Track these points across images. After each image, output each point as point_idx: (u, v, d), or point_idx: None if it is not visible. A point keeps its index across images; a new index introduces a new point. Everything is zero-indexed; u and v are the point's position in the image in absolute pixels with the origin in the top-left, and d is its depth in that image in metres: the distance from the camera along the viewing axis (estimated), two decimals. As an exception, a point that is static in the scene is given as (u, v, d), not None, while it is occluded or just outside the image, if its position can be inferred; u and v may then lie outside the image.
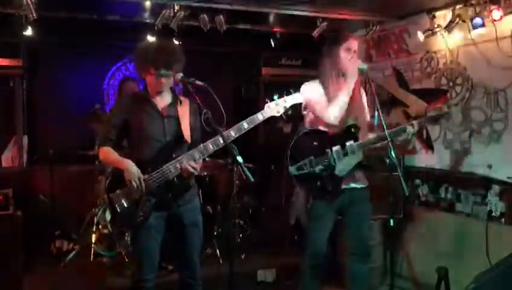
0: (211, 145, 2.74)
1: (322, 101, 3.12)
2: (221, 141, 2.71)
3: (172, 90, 2.95)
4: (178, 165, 2.75)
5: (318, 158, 3.10)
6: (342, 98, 3.09)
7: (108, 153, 2.84)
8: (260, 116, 2.78)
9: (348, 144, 3.07)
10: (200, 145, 2.77)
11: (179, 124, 2.85)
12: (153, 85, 2.84)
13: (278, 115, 2.81)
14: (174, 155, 2.78)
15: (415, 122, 3.06)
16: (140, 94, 2.95)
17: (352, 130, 3.09)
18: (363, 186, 3.23)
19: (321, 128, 3.16)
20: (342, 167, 3.09)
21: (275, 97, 2.81)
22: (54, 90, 5.45)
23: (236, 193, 4.57)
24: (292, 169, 3.13)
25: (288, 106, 2.82)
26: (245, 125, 2.76)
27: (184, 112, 2.90)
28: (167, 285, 3.57)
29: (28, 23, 4.45)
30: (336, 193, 3.11)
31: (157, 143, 2.81)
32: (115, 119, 2.88)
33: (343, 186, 3.14)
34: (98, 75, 5.77)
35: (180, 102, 2.93)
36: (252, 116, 2.77)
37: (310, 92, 3.15)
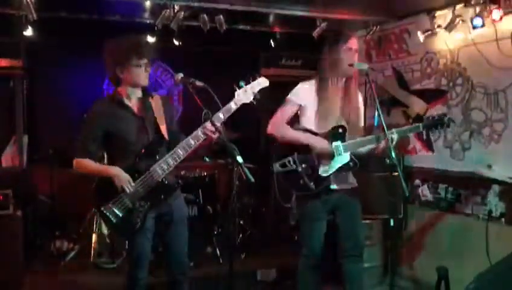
0: (191, 141, 2.73)
1: (315, 107, 3.13)
2: (200, 134, 2.71)
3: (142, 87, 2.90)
4: (164, 166, 2.74)
5: (302, 156, 3.10)
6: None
7: (88, 164, 2.77)
8: (233, 105, 2.75)
9: (334, 144, 3.07)
10: (182, 141, 2.75)
11: (156, 123, 2.84)
12: (131, 80, 2.78)
13: (249, 102, 2.78)
14: (157, 157, 2.77)
15: (394, 130, 2.98)
16: (113, 98, 2.84)
17: (340, 130, 3.08)
18: (353, 186, 3.23)
19: (311, 128, 3.16)
20: (326, 167, 3.09)
21: (242, 84, 2.78)
22: (54, 90, 5.44)
23: (236, 193, 4.57)
24: (276, 166, 3.13)
25: (256, 92, 2.80)
26: (220, 115, 2.73)
27: (157, 107, 2.89)
28: (165, 285, 3.57)
29: (28, 23, 4.45)
30: (317, 192, 3.09)
31: (139, 147, 2.79)
32: (95, 131, 2.78)
33: (335, 187, 3.13)
34: (98, 75, 5.76)
35: (152, 96, 2.90)
36: (226, 106, 2.75)
37: (305, 97, 3.16)
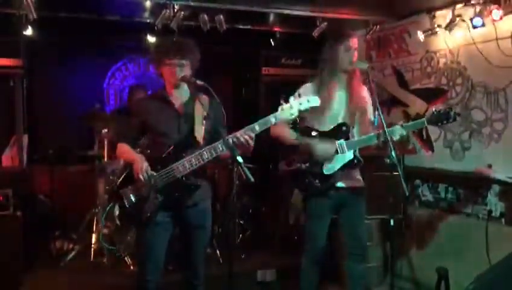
0: (220, 146, 2.71)
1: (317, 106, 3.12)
2: (231, 142, 2.65)
3: (191, 86, 2.90)
4: (187, 165, 2.74)
5: (306, 155, 3.09)
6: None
7: (123, 148, 2.91)
8: (273, 119, 2.66)
9: (337, 142, 3.07)
10: (210, 145, 2.74)
11: (193, 124, 2.83)
12: (169, 78, 2.83)
13: (292, 118, 2.68)
14: (184, 155, 2.77)
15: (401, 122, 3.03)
16: (158, 92, 2.95)
17: (343, 128, 3.08)
18: (360, 185, 3.23)
19: (317, 127, 3.16)
20: (330, 165, 3.09)
21: (291, 98, 2.65)
22: (54, 90, 5.45)
23: (236, 193, 4.56)
24: (281, 165, 3.15)
25: (303, 109, 2.66)
26: (257, 127, 2.68)
27: (200, 108, 2.87)
28: (167, 285, 3.57)
29: (28, 23, 4.45)
30: (323, 190, 3.10)
31: (169, 142, 2.80)
32: (133, 120, 2.94)
33: (341, 185, 3.14)
34: (98, 75, 5.78)
35: (198, 97, 2.89)
36: (264, 119, 2.68)
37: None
